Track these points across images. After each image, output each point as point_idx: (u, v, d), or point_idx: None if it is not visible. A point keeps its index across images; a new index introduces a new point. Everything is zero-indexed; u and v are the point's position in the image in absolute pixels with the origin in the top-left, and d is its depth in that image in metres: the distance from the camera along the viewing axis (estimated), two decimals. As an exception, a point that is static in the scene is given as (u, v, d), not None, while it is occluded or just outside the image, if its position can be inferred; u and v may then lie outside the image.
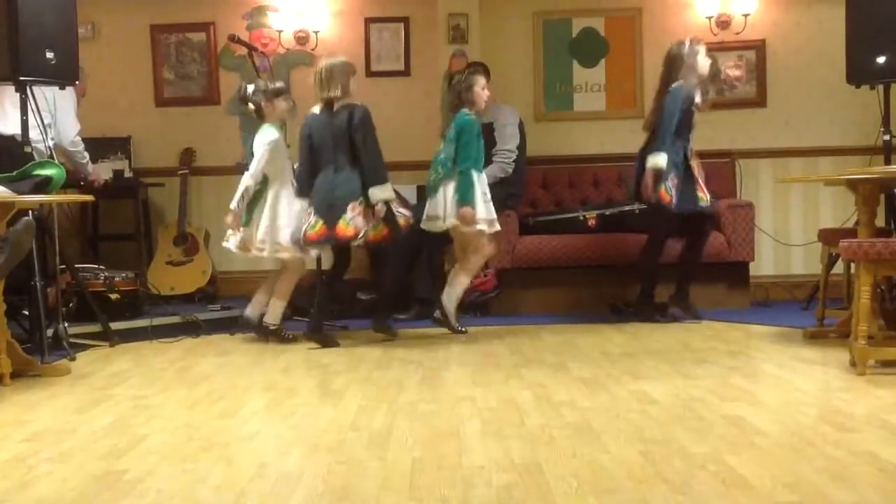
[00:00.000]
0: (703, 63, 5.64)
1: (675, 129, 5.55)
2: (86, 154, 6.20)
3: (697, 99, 5.63)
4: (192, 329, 5.61)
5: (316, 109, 5.20)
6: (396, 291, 6.11)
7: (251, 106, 5.38)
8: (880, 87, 5.53)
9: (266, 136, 5.27)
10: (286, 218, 5.24)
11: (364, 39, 7.30)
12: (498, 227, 5.49)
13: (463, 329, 5.49)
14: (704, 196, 5.64)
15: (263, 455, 2.93)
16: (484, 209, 5.37)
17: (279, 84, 5.48)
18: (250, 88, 5.42)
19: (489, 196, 5.42)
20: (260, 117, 5.37)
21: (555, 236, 6.39)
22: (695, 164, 5.67)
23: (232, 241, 5.37)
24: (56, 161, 4.94)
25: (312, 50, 7.26)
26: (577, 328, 5.62)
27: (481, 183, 5.40)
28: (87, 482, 2.66)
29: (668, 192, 5.52)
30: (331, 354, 4.88)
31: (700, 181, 5.65)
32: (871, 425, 3.11)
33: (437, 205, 5.44)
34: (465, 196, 5.29)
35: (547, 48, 7.26)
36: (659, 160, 5.50)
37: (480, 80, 5.52)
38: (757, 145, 7.07)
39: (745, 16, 7.02)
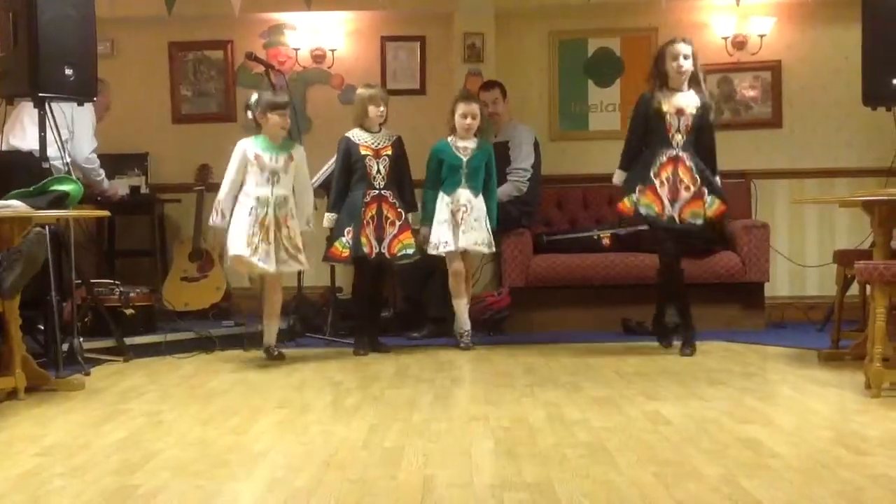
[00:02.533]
0: (671, 66, 5.21)
1: (635, 140, 5.36)
2: (101, 171, 6.24)
3: (666, 106, 5.20)
4: (205, 345, 5.63)
5: None
6: (406, 310, 6.35)
7: (249, 115, 5.33)
8: (896, 109, 5.52)
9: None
10: (237, 230, 5.15)
11: (380, 58, 7.35)
12: (449, 249, 5.60)
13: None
14: (662, 212, 5.19)
15: (275, 472, 2.93)
16: (441, 231, 5.60)
17: (282, 98, 5.35)
18: (254, 98, 5.40)
19: (455, 218, 5.61)
20: (257, 127, 5.32)
21: (569, 255, 6.39)
22: (666, 175, 5.19)
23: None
24: (73, 177, 4.97)
25: (329, 68, 7.31)
26: (590, 348, 5.61)
27: (444, 205, 5.63)
28: (100, 497, 2.67)
29: (632, 203, 5.25)
30: (343, 372, 4.89)
31: (663, 195, 5.18)
32: (887, 448, 3.09)
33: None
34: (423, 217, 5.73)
35: (562, 68, 7.28)
36: (615, 178, 5.46)
37: (460, 107, 5.73)
38: (772, 166, 7.06)
39: (762, 36, 7.02)
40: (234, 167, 5.25)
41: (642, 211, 5.24)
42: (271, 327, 5.38)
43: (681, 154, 5.22)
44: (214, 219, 5.26)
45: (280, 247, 5.19)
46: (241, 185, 5.24)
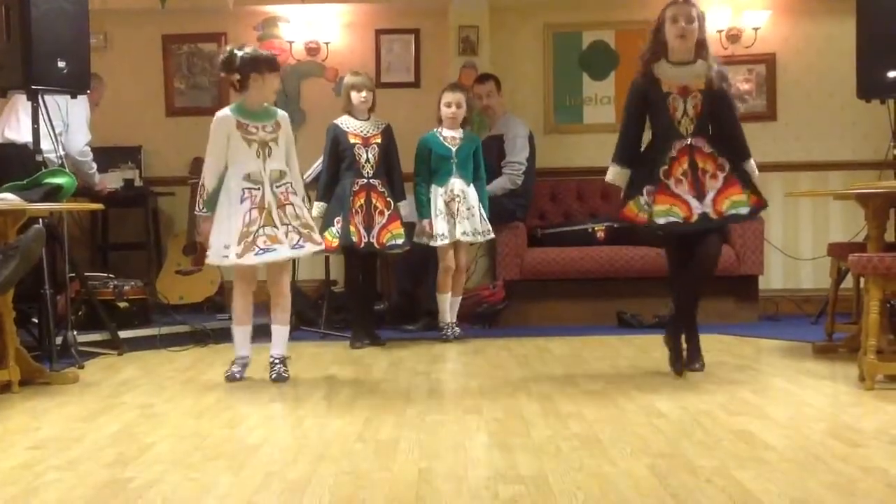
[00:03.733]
0: (671, 31, 4.27)
1: (630, 128, 4.42)
2: (93, 165, 6.24)
3: (667, 85, 4.28)
4: (200, 338, 5.62)
5: None
6: (401, 303, 6.35)
7: (235, 75, 4.36)
8: (891, 102, 5.54)
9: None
10: (225, 220, 4.36)
11: (375, 51, 7.33)
12: (445, 242, 5.63)
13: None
14: (690, 213, 4.20)
15: (270, 465, 2.92)
16: (437, 223, 5.62)
17: (272, 55, 4.51)
18: (238, 53, 4.35)
19: (450, 210, 5.64)
20: (243, 89, 4.41)
21: (563, 249, 6.40)
22: (682, 170, 4.24)
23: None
24: (67, 170, 4.96)
25: (323, 61, 7.30)
26: (585, 340, 5.62)
27: (438, 196, 5.65)
28: (94, 490, 2.66)
29: (640, 208, 4.29)
30: (338, 365, 4.89)
31: (683, 192, 4.22)
32: (880, 440, 3.10)
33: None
34: (418, 212, 5.72)
35: (557, 61, 7.28)
36: (608, 174, 4.50)
37: (445, 97, 5.77)
38: (767, 159, 7.02)
39: (756, 29, 7.03)
40: (216, 144, 4.37)
41: (660, 221, 4.21)
42: (281, 331, 4.55)
43: (694, 142, 4.26)
44: (200, 207, 4.50)
45: (290, 228, 4.37)
46: (226, 166, 4.38)
